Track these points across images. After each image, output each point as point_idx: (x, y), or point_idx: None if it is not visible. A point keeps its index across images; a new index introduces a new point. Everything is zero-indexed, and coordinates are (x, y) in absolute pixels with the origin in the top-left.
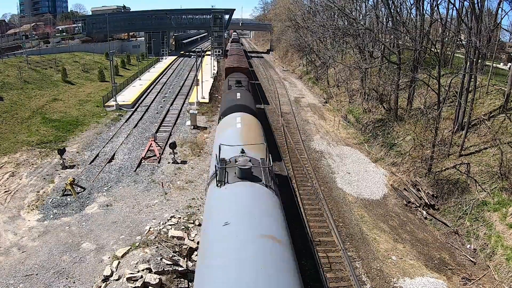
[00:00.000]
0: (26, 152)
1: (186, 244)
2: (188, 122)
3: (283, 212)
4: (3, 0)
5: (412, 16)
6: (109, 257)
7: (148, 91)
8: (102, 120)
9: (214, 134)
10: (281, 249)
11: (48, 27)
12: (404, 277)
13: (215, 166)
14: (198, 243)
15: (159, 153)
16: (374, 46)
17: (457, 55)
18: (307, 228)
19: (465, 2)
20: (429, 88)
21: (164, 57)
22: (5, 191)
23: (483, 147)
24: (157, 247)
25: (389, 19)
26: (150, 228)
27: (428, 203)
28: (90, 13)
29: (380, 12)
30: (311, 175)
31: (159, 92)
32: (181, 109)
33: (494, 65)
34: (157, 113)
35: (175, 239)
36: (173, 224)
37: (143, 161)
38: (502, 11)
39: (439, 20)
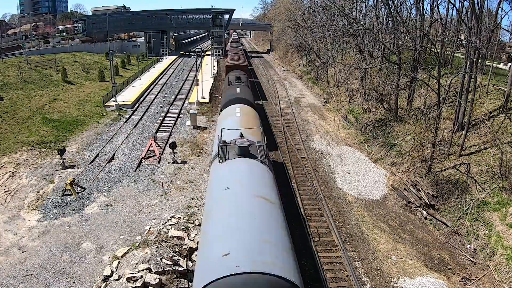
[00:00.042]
0: (26, 152)
1: (186, 244)
2: (188, 122)
3: (275, 182)
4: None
5: (412, 16)
6: (109, 257)
7: (148, 91)
8: (102, 120)
9: (216, 123)
10: (272, 207)
11: (48, 27)
12: (404, 277)
13: (218, 145)
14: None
15: (159, 153)
16: (374, 46)
17: (457, 55)
18: (307, 228)
19: (465, 2)
20: (429, 88)
21: (164, 57)
22: (5, 191)
23: (483, 147)
24: (157, 247)
25: (389, 19)
26: (150, 228)
27: (428, 203)
28: (90, 13)
29: (380, 12)
30: (311, 175)
31: (159, 92)
32: (181, 109)
33: (494, 65)
34: (157, 113)
35: (175, 239)
36: (173, 224)
37: (143, 161)
38: (502, 11)
39: (439, 20)
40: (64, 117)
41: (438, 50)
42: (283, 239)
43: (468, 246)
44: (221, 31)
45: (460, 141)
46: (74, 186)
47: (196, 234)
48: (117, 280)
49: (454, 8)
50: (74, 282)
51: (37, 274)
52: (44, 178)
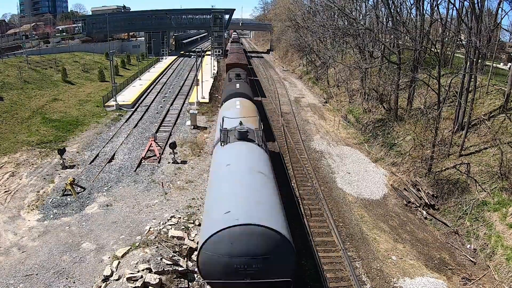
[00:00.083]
0: (26, 152)
1: (186, 244)
2: (188, 122)
3: (270, 162)
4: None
5: (412, 16)
6: (109, 257)
7: (148, 91)
8: (102, 120)
9: (218, 114)
10: (266, 179)
11: (48, 27)
12: (404, 277)
13: (220, 131)
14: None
15: (159, 153)
16: (374, 46)
17: (457, 55)
18: (307, 228)
19: (465, 2)
20: (429, 88)
21: (164, 57)
22: (5, 191)
23: (483, 147)
24: (157, 247)
25: (389, 19)
26: (150, 228)
27: (428, 203)
28: (90, 13)
29: (380, 12)
30: (311, 175)
31: (159, 92)
32: (181, 109)
33: (494, 65)
34: (157, 113)
35: (175, 239)
36: (173, 224)
37: (143, 161)
38: (502, 11)
39: (439, 20)
40: (64, 117)
41: (438, 50)
42: (274, 202)
43: (468, 246)
44: (221, 31)
45: (460, 141)
46: (74, 186)
47: (196, 234)
48: (117, 280)
49: (454, 8)
50: (74, 282)
51: (37, 274)
52: (44, 178)
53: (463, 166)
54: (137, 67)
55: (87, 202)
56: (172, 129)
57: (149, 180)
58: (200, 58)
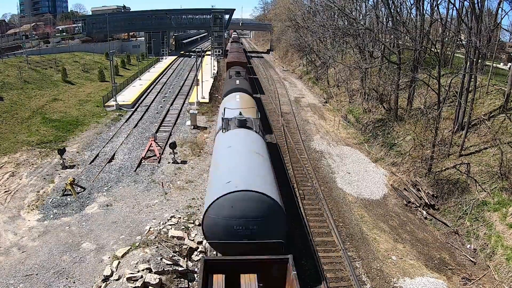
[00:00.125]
0: (26, 152)
1: (186, 244)
2: (188, 122)
3: (265, 145)
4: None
5: (412, 16)
6: (109, 257)
7: (148, 91)
8: (102, 120)
9: (220, 106)
10: (262, 158)
11: (48, 27)
12: (404, 277)
13: (222, 119)
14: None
15: (159, 153)
16: (374, 46)
17: (457, 55)
18: (307, 228)
19: (465, 2)
20: (429, 88)
21: (164, 57)
22: (5, 191)
23: (483, 147)
24: (157, 247)
25: (389, 19)
26: (150, 228)
27: (428, 203)
28: (90, 13)
29: (380, 12)
30: (311, 175)
31: (159, 92)
32: (181, 109)
33: (494, 65)
34: (157, 113)
35: (175, 239)
36: (173, 224)
37: (143, 161)
38: (502, 11)
39: (439, 20)
40: (64, 117)
41: (438, 50)
42: (269, 176)
43: (468, 246)
44: (221, 31)
45: (460, 141)
46: (74, 186)
47: (196, 234)
48: (117, 280)
49: (454, 8)
50: (74, 282)
51: (37, 274)
52: (44, 178)
53: (463, 166)
54: (137, 67)
55: (87, 202)
56: (172, 129)
57: (149, 180)
58: (200, 58)
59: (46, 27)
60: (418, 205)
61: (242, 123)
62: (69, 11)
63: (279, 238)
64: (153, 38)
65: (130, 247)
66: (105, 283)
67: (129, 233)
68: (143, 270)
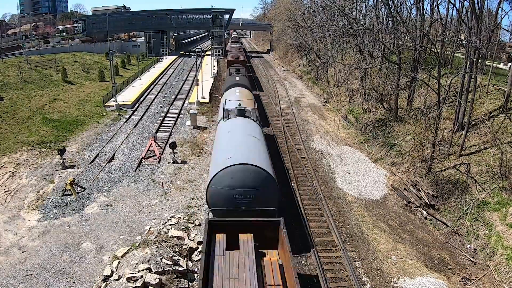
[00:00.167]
0: (26, 152)
1: (186, 244)
2: (188, 122)
3: (262, 132)
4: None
5: (412, 16)
6: (109, 257)
7: (148, 91)
8: (102, 120)
9: (221, 99)
10: (259, 141)
11: (48, 27)
12: (404, 277)
13: (223, 110)
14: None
15: (159, 153)
16: (374, 46)
17: (457, 55)
18: (307, 228)
19: (465, 2)
20: (429, 88)
21: (164, 57)
22: (5, 191)
23: (483, 147)
24: (157, 247)
25: (389, 19)
26: (150, 228)
27: (428, 203)
28: (90, 13)
29: (380, 12)
30: (311, 175)
31: (159, 92)
32: (181, 109)
33: (494, 65)
34: (157, 113)
35: (175, 239)
36: (173, 224)
37: (143, 161)
38: (502, 11)
39: (439, 20)
40: (64, 117)
41: (438, 50)
42: (264, 154)
43: (468, 246)
44: (221, 31)
45: (460, 141)
46: (74, 186)
47: (196, 234)
48: (117, 280)
49: (454, 8)
50: (74, 282)
51: (37, 274)
52: (44, 178)
53: (463, 166)
54: (137, 67)
55: (87, 202)
56: (172, 129)
57: (149, 180)
58: (200, 58)
59: (46, 27)
60: (418, 205)
61: (241, 113)
62: (69, 11)
63: (273, 206)
64: (153, 38)
65: (130, 247)
66: (105, 283)
67: (129, 233)
68: (143, 270)
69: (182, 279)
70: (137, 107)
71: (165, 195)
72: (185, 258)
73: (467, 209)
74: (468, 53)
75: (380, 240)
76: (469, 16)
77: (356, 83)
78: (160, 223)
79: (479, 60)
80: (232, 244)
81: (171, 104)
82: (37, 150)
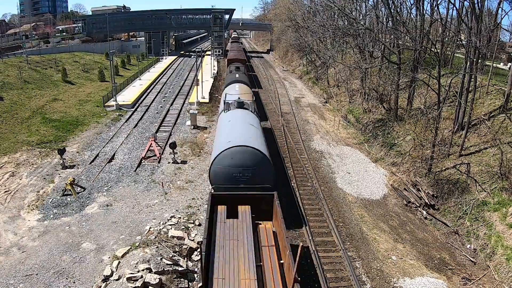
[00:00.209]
0: (26, 152)
1: (186, 244)
2: (188, 122)
3: (259, 121)
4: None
5: (412, 16)
6: (109, 257)
7: (148, 91)
8: (102, 120)
9: (221, 94)
10: (256, 129)
11: (48, 27)
12: (404, 277)
13: (224, 102)
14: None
15: (159, 153)
16: (374, 46)
17: (457, 55)
18: (307, 228)
19: (465, 2)
20: (429, 88)
21: (164, 57)
22: (5, 191)
23: (483, 147)
24: (157, 247)
25: (389, 19)
26: (150, 228)
27: (428, 203)
28: (90, 13)
29: (380, 12)
30: (311, 175)
31: (159, 92)
32: (181, 109)
33: (494, 65)
34: (157, 113)
35: (175, 239)
36: (173, 224)
37: (143, 161)
38: (502, 11)
39: (439, 20)
40: (64, 117)
41: (438, 50)
42: (260, 139)
43: (468, 246)
44: (221, 31)
45: (460, 141)
46: (74, 186)
47: (196, 234)
48: (117, 280)
49: (454, 8)
50: (74, 282)
51: (37, 274)
52: (44, 178)
53: (463, 166)
54: (137, 67)
55: (87, 202)
56: (172, 129)
57: (149, 180)
58: (200, 58)
59: (46, 27)
60: (418, 205)
61: (240, 105)
62: (69, 11)
63: (268, 183)
64: (153, 38)
65: (130, 247)
66: (105, 283)
67: (129, 233)
68: (143, 270)
69: (182, 279)
70: (137, 107)
71: (165, 195)
72: (185, 258)
73: (467, 209)
74: (468, 53)
75: (380, 240)
76: (469, 16)
77: (356, 83)
78: (160, 223)
79: (479, 60)
80: (232, 216)
81: (171, 104)
82: (37, 150)
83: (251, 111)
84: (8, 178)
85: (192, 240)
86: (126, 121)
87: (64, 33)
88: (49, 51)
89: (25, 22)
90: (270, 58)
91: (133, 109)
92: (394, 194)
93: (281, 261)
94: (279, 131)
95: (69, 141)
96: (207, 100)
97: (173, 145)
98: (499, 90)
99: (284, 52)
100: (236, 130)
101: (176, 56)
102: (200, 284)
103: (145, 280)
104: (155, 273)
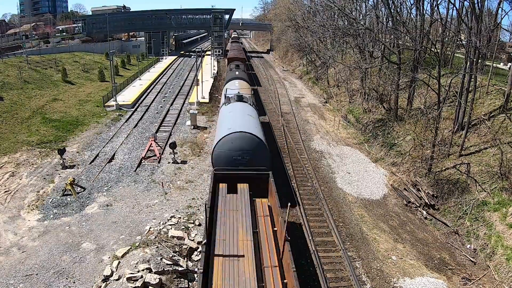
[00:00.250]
0: (26, 152)
1: (186, 244)
2: (188, 122)
3: (257, 113)
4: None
5: (412, 16)
6: (109, 257)
7: (148, 91)
8: (102, 120)
9: (222, 90)
10: (254, 119)
11: (48, 27)
12: (404, 277)
13: (224, 96)
14: (200, 240)
15: (159, 153)
16: (374, 46)
17: (457, 55)
18: (307, 228)
19: (465, 2)
20: (429, 88)
21: (164, 57)
22: (5, 191)
23: (483, 147)
24: (157, 247)
25: (389, 19)
26: (150, 228)
27: (428, 203)
28: (90, 13)
29: (380, 12)
30: (311, 175)
31: (159, 92)
32: (181, 109)
33: (494, 65)
34: (157, 113)
35: (175, 239)
36: (173, 224)
37: (143, 161)
38: (502, 11)
39: (439, 20)
40: (64, 117)
41: (438, 50)
42: (258, 127)
43: (468, 246)
44: (221, 31)
45: (460, 141)
46: (74, 186)
47: (196, 234)
48: (117, 280)
49: (454, 8)
50: (74, 282)
51: (37, 274)
52: (44, 178)
53: (463, 166)
54: (137, 67)
55: (87, 202)
56: (172, 129)
57: (149, 180)
58: (200, 58)
59: (46, 27)
60: (418, 205)
61: (240, 98)
62: (69, 11)
63: (265, 165)
64: (153, 38)
65: (130, 247)
66: (105, 283)
67: (129, 233)
68: (143, 270)
69: (182, 279)
70: (137, 107)
71: (165, 195)
72: (185, 258)
73: (467, 209)
74: (468, 53)
75: (380, 240)
76: (469, 16)
77: (356, 83)
78: (160, 223)
79: (479, 60)
80: (232, 191)
81: (171, 104)
82: (37, 150)
83: (250, 104)
84: (8, 178)
85: (192, 240)
86: (126, 121)
87: (64, 33)
88: (49, 51)
89: (25, 22)
90: (270, 58)
91: (133, 109)
92: (394, 194)
93: (275, 229)
94: (279, 131)
95: (69, 141)
96: (207, 100)
97: (173, 145)
98: (499, 90)
99: (284, 52)
100: (236, 120)
101: (176, 56)
102: (205, 241)
103: (145, 280)
104: (155, 273)
